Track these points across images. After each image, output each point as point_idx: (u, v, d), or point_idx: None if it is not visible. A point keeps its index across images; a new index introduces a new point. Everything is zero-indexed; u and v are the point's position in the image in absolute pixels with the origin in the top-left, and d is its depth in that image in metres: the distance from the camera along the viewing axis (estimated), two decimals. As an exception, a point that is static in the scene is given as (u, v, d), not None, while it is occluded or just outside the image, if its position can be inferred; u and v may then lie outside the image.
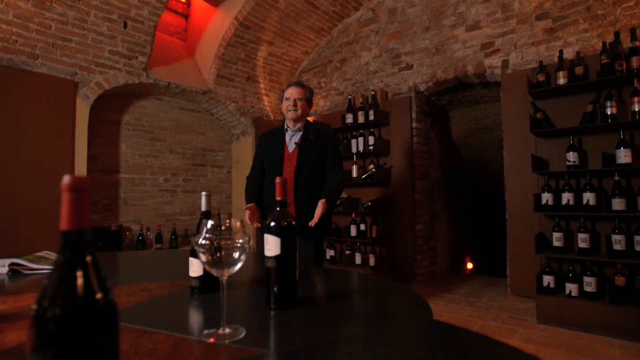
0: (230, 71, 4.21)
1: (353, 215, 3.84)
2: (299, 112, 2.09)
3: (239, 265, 0.74)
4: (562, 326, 2.51)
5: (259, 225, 1.99)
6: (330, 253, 3.98)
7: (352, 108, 3.88)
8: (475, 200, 5.29)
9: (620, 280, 2.37)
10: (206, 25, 4.20)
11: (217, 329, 0.72)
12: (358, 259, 3.76)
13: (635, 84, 2.42)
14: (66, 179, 0.41)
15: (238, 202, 4.63)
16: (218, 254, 0.71)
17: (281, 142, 2.15)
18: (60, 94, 3.00)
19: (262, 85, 4.62)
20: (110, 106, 3.67)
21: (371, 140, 3.71)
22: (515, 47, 3.12)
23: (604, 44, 2.55)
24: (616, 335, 2.32)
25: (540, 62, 2.84)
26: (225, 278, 0.74)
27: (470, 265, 4.87)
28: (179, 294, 1.04)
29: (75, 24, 3.01)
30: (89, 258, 0.42)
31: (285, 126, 2.17)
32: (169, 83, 3.76)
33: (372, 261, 3.62)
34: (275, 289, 0.87)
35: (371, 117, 3.67)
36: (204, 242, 0.70)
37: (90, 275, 0.41)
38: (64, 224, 0.41)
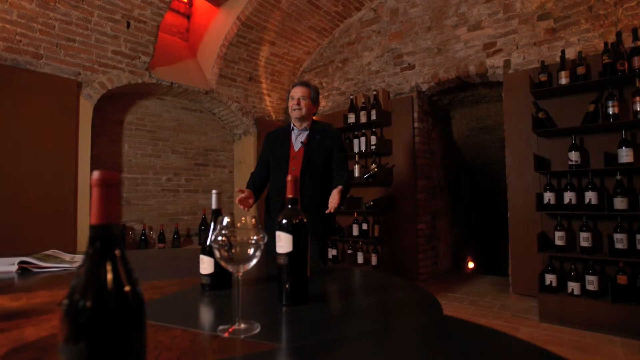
0: (232, 71, 4.22)
1: (355, 215, 3.85)
2: (303, 111, 2.10)
3: (254, 262, 0.75)
4: (565, 325, 2.53)
5: (248, 209, 1.97)
6: (332, 252, 3.99)
7: (354, 108, 3.90)
8: (477, 200, 5.31)
9: (622, 279, 2.39)
10: (208, 25, 4.21)
11: (232, 325, 0.73)
12: (360, 259, 3.77)
13: (637, 84, 2.44)
14: (96, 174, 0.42)
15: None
16: (234, 250, 0.72)
17: (287, 141, 2.16)
18: (64, 93, 3.00)
19: (264, 85, 4.63)
20: (113, 106, 3.68)
21: (373, 140, 3.73)
22: (517, 47, 3.14)
23: (605, 44, 2.56)
24: (618, 333, 2.33)
25: (542, 62, 2.86)
26: (240, 274, 0.75)
27: (472, 265, 4.88)
28: (190, 291, 1.05)
29: (78, 24, 3.01)
30: (117, 251, 0.43)
31: (292, 125, 2.18)
32: (172, 83, 3.77)
33: (374, 260, 3.63)
34: (287, 286, 0.88)
35: (373, 117, 3.68)
36: (220, 238, 0.71)
37: (119, 268, 0.42)
38: (93, 218, 0.42)
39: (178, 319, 0.81)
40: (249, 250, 0.74)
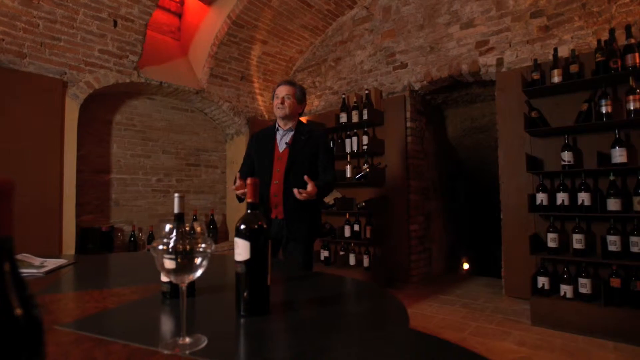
0: (223, 70, 4.17)
1: (347, 216, 3.80)
2: (287, 110, 2.06)
3: (199, 272, 0.70)
4: (557, 328, 2.47)
5: (243, 195, 1.96)
6: (324, 254, 3.94)
7: (346, 107, 3.84)
8: (472, 200, 5.25)
9: (615, 282, 2.33)
10: (199, 24, 4.17)
11: (177, 339, 0.69)
12: (352, 260, 3.72)
13: (631, 82, 2.38)
14: (-21, 181, 0.37)
15: (232, 203, 4.59)
16: (178, 260, 0.67)
17: (272, 142, 2.12)
18: (49, 93, 2.96)
19: (256, 85, 4.58)
20: (102, 106, 3.63)
21: (365, 140, 3.68)
22: (510, 45, 3.08)
23: (598, 41, 2.51)
24: (611, 337, 2.28)
25: (535, 60, 2.80)
26: (185, 285, 0.70)
27: (466, 266, 4.82)
28: (150, 299, 1.00)
29: (63, 22, 2.97)
30: (7, 266, 0.38)
31: (277, 125, 2.14)
32: (161, 82, 3.72)
33: (366, 262, 3.58)
34: (245, 295, 0.83)
35: (365, 117, 3.63)
36: (161, 247, 0.66)
37: (7, 287, 0.37)
38: (-25, 229, 0.37)
39: (124, 332, 0.76)
40: (195, 259, 0.69)
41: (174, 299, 0.98)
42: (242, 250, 0.83)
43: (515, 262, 3.01)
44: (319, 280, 1.28)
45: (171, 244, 0.67)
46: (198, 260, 0.69)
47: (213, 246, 0.71)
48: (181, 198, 1.05)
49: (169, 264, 0.67)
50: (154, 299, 1.00)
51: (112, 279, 1.34)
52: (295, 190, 1.82)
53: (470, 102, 4.21)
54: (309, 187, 1.82)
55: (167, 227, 0.68)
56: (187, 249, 0.68)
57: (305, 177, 1.85)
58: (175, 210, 1.05)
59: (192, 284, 1.02)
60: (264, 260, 0.85)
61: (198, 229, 0.70)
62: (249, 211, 0.88)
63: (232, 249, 4.18)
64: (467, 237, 5.07)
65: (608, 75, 2.42)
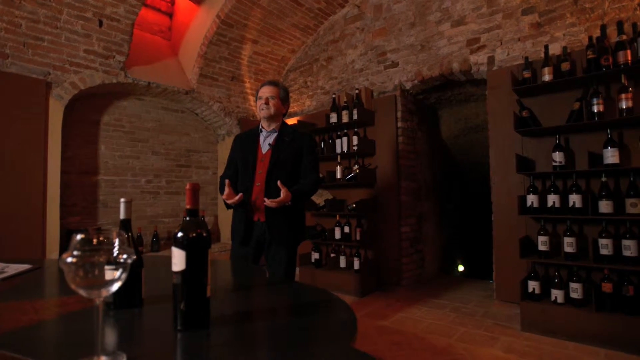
0: (213, 70, 4.12)
1: (337, 217, 3.74)
2: (272, 110, 2.04)
3: (116, 285, 0.65)
4: (547, 334, 2.40)
5: (236, 200, 1.91)
6: (315, 256, 3.89)
7: (336, 107, 3.79)
8: (466, 201, 5.17)
9: (607, 287, 2.26)
10: (190, 23, 4.12)
11: (92, 358, 0.63)
12: (342, 262, 3.66)
13: (623, 80, 2.31)
14: None
15: (223, 203, 4.54)
16: (90, 275, 0.62)
17: (255, 143, 2.09)
18: (32, 94, 2.92)
19: (247, 85, 4.53)
20: (89, 106, 3.59)
21: (355, 140, 3.61)
22: (501, 43, 3.01)
23: (590, 38, 2.43)
24: (602, 344, 2.20)
25: (526, 58, 2.73)
26: (99, 300, 0.65)
27: (460, 268, 4.75)
28: (93, 309, 0.94)
29: (47, 22, 2.93)
30: None
31: (260, 127, 2.12)
32: (149, 83, 3.68)
33: (356, 264, 3.51)
34: (181, 308, 0.78)
35: (355, 117, 3.57)
36: (69, 260, 0.61)
37: None
38: None
39: (41, 349, 0.71)
40: (114, 272, 0.64)
41: (118, 309, 0.93)
42: (177, 260, 0.78)
43: (506, 265, 2.94)
44: (282, 289, 1.22)
45: (82, 256, 0.61)
46: (117, 273, 0.64)
47: (134, 256, 0.66)
48: (128, 203, 1.00)
49: (80, 278, 0.62)
50: (98, 309, 0.94)
51: (67, 286, 1.29)
52: (266, 199, 1.81)
53: (464, 101, 4.14)
54: (282, 194, 1.81)
55: (79, 236, 0.62)
56: (101, 261, 0.63)
57: (279, 182, 1.82)
58: (122, 216, 1.00)
59: (137, 293, 0.97)
60: (201, 271, 0.79)
61: (117, 239, 0.64)
62: (186, 218, 0.82)
63: (222, 251, 4.13)
64: (461, 239, 4.98)
65: (599, 73, 2.35)
